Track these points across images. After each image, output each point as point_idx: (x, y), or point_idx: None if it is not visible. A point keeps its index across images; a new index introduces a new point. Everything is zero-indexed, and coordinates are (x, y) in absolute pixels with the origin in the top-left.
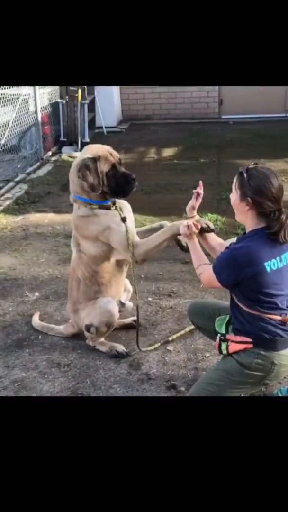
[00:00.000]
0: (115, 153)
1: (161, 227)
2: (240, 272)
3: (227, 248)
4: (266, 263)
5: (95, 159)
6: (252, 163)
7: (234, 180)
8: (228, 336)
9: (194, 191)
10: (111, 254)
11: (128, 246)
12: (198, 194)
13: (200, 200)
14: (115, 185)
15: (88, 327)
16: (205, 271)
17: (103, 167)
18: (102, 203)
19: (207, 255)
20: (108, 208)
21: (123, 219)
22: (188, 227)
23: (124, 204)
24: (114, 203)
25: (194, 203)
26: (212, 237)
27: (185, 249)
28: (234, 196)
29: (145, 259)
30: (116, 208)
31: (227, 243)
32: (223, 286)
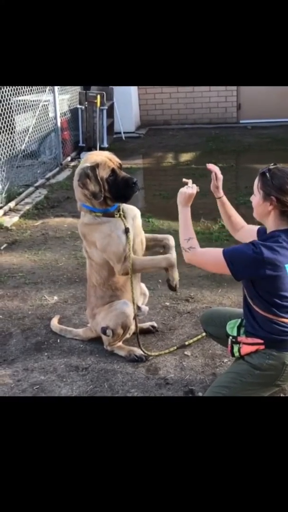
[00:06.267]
0: (115, 158)
1: (164, 239)
2: (260, 270)
3: (250, 243)
4: (286, 265)
5: (94, 167)
6: (273, 164)
7: (256, 182)
8: (239, 338)
9: (208, 165)
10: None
11: (121, 258)
12: (215, 174)
13: (221, 178)
14: (116, 190)
15: (104, 330)
16: (205, 251)
17: (103, 174)
18: (106, 211)
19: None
20: (112, 215)
21: (126, 230)
22: (182, 193)
23: (130, 209)
24: (118, 211)
25: (216, 182)
26: (232, 209)
27: (174, 289)
28: (257, 197)
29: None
30: (120, 216)
31: (251, 228)
32: (233, 276)
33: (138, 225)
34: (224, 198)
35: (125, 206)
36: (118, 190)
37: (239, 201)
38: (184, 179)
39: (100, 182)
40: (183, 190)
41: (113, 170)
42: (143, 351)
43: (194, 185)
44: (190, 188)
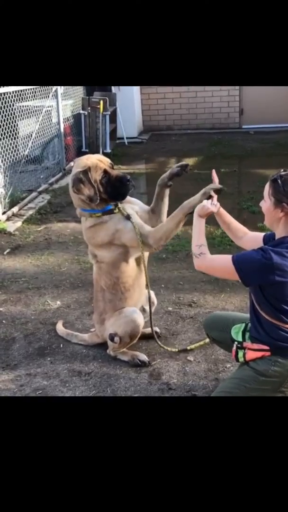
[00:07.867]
0: (105, 159)
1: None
2: (269, 276)
3: (260, 248)
4: None
5: (86, 171)
6: (283, 170)
7: (266, 188)
8: (245, 344)
9: (213, 175)
10: (128, 255)
11: (138, 240)
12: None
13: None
14: (111, 190)
15: (112, 336)
16: (215, 257)
17: (96, 176)
18: (105, 210)
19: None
20: (112, 212)
21: (127, 217)
22: (205, 206)
23: (129, 203)
24: (116, 205)
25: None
26: (229, 216)
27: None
28: (267, 204)
29: (163, 244)
30: (119, 210)
31: (255, 235)
32: (242, 283)
33: (139, 218)
34: (219, 209)
35: (123, 203)
36: (113, 189)
37: (242, 206)
38: (213, 183)
39: (94, 185)
40: (206, 205)
41: (105, 171)
42: (161, 345)
43: (218, 203)
44: (213, 206)
